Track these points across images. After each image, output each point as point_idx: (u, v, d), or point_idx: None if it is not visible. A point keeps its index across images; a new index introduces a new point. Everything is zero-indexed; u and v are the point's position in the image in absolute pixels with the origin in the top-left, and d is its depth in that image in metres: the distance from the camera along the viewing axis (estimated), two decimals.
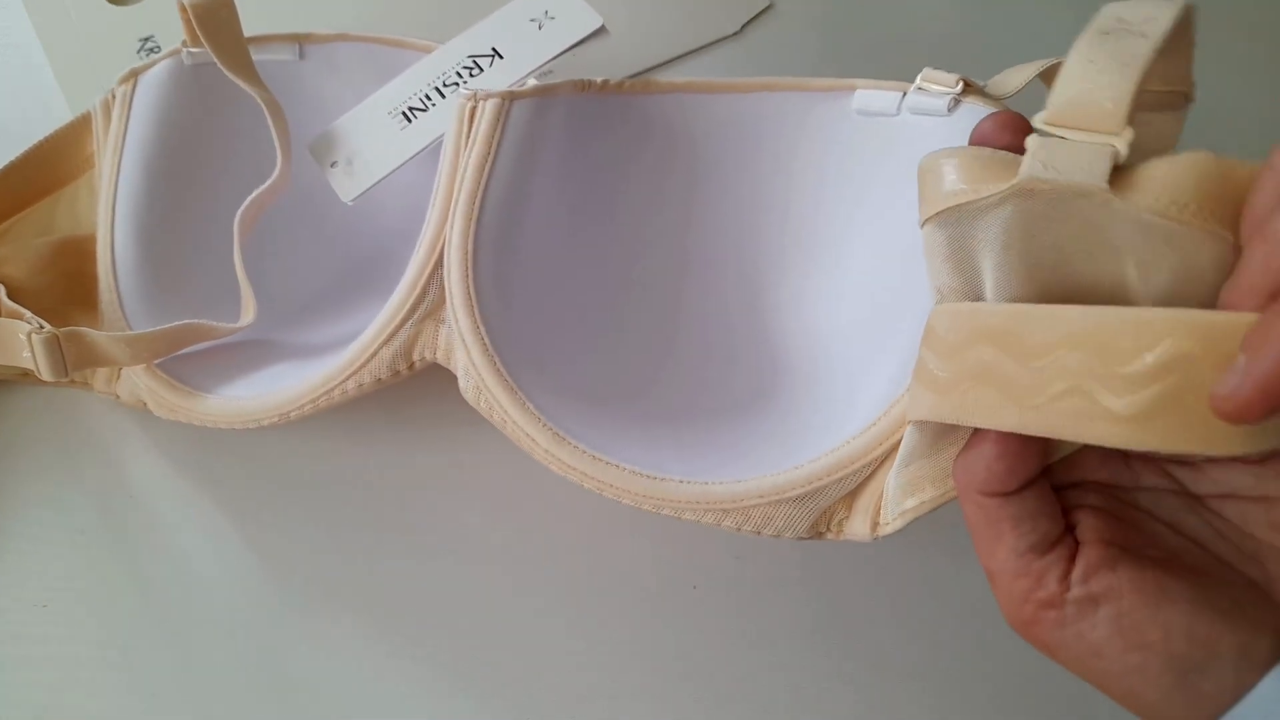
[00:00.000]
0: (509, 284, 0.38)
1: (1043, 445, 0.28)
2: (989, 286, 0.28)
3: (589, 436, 0.36)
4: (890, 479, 0.32)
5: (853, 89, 0.40)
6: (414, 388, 0.39)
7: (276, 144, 0.41)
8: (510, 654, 0.41)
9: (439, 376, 0.38)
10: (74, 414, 0.45)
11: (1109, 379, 0.24)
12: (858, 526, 0.34)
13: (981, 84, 0.38)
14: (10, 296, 0.40)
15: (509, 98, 0.38)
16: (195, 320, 0.39)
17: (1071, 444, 0.29)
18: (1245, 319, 0.23)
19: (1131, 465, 0.29)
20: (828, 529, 0.35)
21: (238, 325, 0.40)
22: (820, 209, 0.42)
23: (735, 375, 0.41)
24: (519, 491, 0.43)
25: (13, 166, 0.43)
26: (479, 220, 0.37)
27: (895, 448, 0.33)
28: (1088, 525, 0.28)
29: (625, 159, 0.43)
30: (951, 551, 0.42)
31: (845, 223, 0.41)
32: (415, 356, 0.38)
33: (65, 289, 0.42)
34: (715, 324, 0.42)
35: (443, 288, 0.37)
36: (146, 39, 0.51)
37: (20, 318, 0.39)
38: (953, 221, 0.27)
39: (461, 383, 0.37)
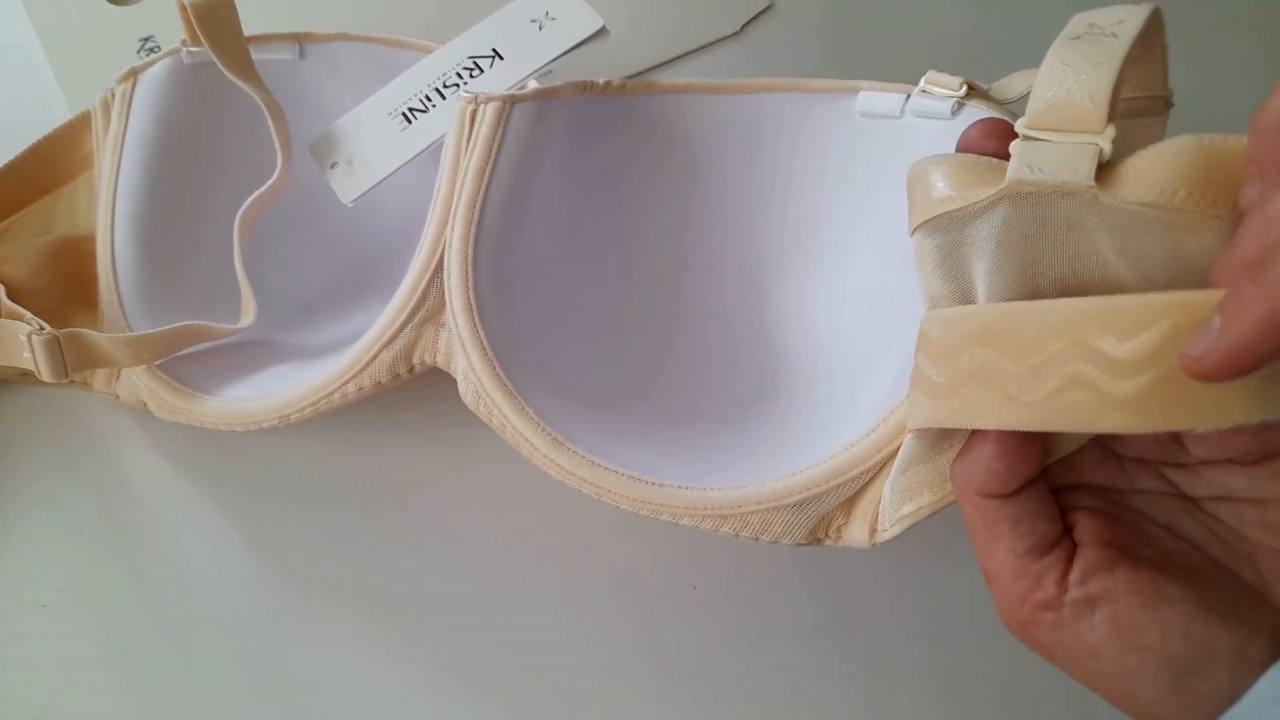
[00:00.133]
0: (509, 288, 0.38)
1: (1041, 446, 0.28)
2: (981, 291, 0.28)
3: (588, 441, 0.36)
4: (888, 485, 0.33)
5: (855, 90, 0.40)
6: (414, 389, 0.39)
7: (276, 144, 0.41)
8: (510, 654, 0.42)
9: (439, 378, 0.38)
10: (74, 414, 0.45)
11: (1107, 367, 0.24)
12: (856, 533, 0.34)
13: (986, 87, 0.38)
14: (10, 296, 0.40)
15: (510, 101, 0.38)
16: (195, 321, 0.39)
17: (1069, 445, 0.29)
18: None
19: (1127, 468, 0.29)
20: (826, 535, 0.35)
21: (238, 326, 0.40)
22: (820, 211, 0.42)
23: (734, 378, 0.41)
24: (519, 492, 0.43)
25: (12, 165, 0.44)
26: (479, 224, 0.37)
27: (894, 454, 0.33)
28: (1085, 527, 0.28)
29: (626, 160, 0.43)
30: (950, 553, 0.42)
31: (846, 225, 0.41)
32: (415, 360, 0.38)
33: (65, 289, 0.42)
34: (715, 326, 0.42)
35: (443, 291, 0.37)
36: (146, 39, 0.51)
37: (20, 318, 0.39)
38: (942, 229, 0.28)
39: (461, 387, 0.37)
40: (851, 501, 0.34)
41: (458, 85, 0.42)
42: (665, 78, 0.52)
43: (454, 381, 0.37)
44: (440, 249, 0.37)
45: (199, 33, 0.41)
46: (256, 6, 0.45)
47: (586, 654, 0.42)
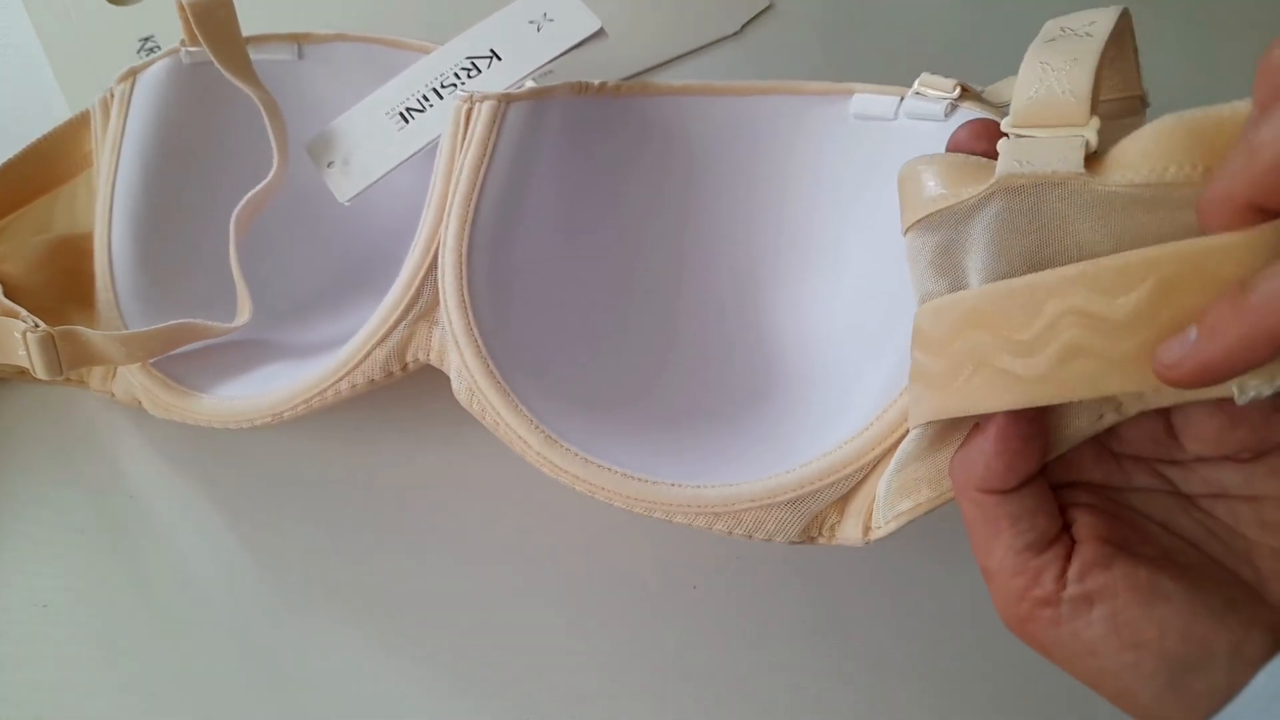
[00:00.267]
0: (503, 286, 0.38)
1: (1042, 442, 0.28)
2: (974, 287, 0.28)
3: (581, 439, 0.36)
4: (883, 482, 0.32)
5: (850, 93, 0.40)
6: (410, 387, 0.39)
7: (273, 143, 0.41)
8: (510, 654, 0.42)
9: (434, 376, 0.38)
10: (71, 413, 0.45)
11: (1103, 329, 0.24)
12: (850, 531, 0.34)
13: (979, 89, 0.38)
14: (7, 294, 0.40)
15: (505, 100, 0.38)
16: (190, 320, 0.39)
17: (1068, 441, 0.29)
18: (1225, 240, 0.23)
19: (1123, 466, 0.29)
20: (819, 533, 0.35)
21: (233, 325, 0.40)
22: (816, 212, 0.42)
23: (730, 377, 0.41)
24: (518, 491, 0.43)
25: (11, 164, 0.44)
26: (474, 222, 0.37)
27: (888, 452, 0.33)
28: (1084, 523, 0.28)
29: (622, 161, 0.43)
30: (950, 552, 0.42)
31: (841, 226, 0.41)
32: (408, 358, 0.38)
33: (62, 287, 0.42)
34: (712, 326, 0.42)
35: (436, 289, 0.37)
36: (146, 39, 0.51)
37: (16, 316, 0.39)
38: (935, 227, 0.28)
39: (454, 384, 0.37)
40: (845, 500, 0.34)
41: (455, 85, 0.42)
42: (665, 78, 0.52)
43: (448, 380, 0.37)
44: (434, 247, 0.37)
45: (197, 33, 0.41)
46: (255, 6, 0.45)
47: (586, 654, 0.42)
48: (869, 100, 0.40)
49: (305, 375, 0.38)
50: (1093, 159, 0.25)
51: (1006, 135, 0.27)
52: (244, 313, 0.40)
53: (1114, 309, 0.24)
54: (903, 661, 0.42)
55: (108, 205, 0.42)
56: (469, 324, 0.36)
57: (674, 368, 0.41)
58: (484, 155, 0.37)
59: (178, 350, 0.40)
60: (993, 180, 0.26)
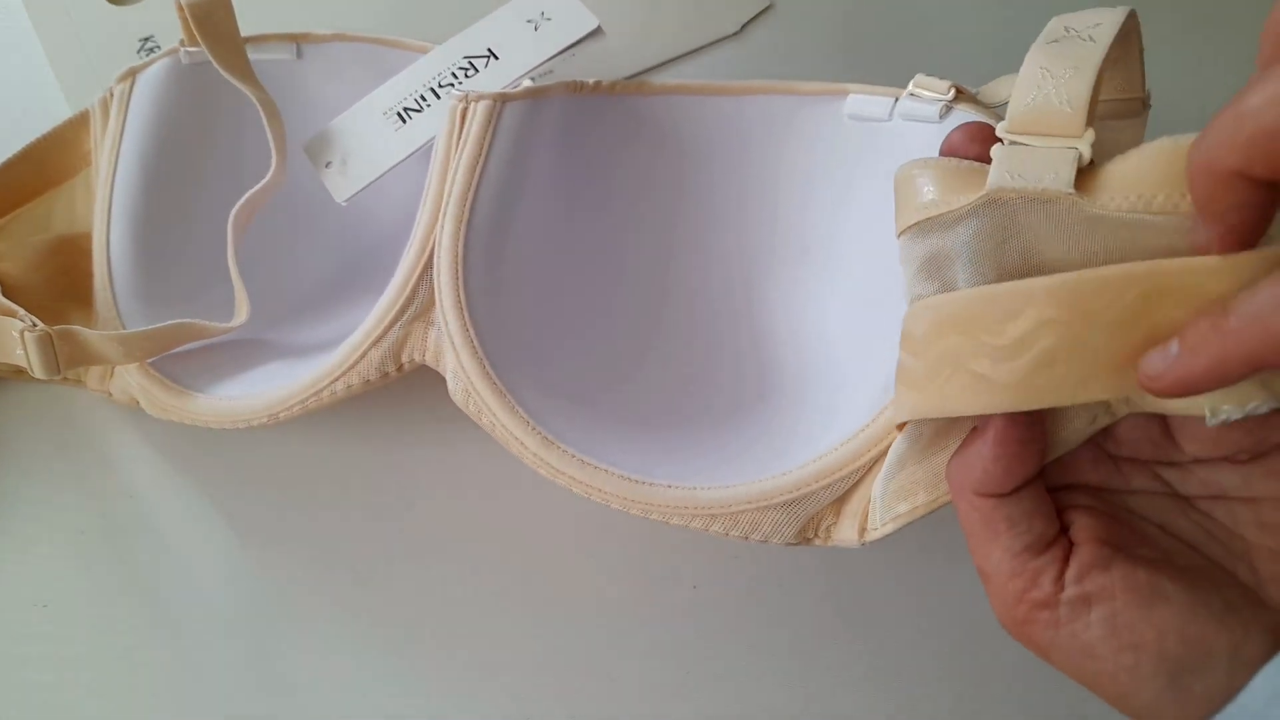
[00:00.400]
0: (499, 286, 0.38)
1: (1040, 446, 0.28)
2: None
3: (578, 440, 0.36)
4: (879, 484, 0.32)
5: (845, 93, 0.40)
6: (407, 387, 0.39)
7: (271, 143, 0.41)
8: (509, 654, 0.42)
9: (430, 376, 0.38)
10: (71, 412, 0.45)
11: (1082, 340, 0.24)
12: (845, 532, 0.34)
13: (974, 90, 0.38)
14: (5, 293, 0.40)
15: (501, 99, 0.38)
16: (188, 320, 0.40)
17: (1065, 444, 0.29)
18: (1206, 262, 0.23)
19: (1121, 468, 0.29)
20: (815, 535, 0.35)
21: (230, 325, 0.40)
22: (808, 212, 0.42)
23: (724, 376, 0.41)
24: (516, 490, 0.43)
25: (10, 163, 0.44)
26: (469, 222, 0.37)
27: (884, 454, 0.33)
28: (1081, 525, 0.28)
29: (617, 161, 0.43)
30: (951, 552, 0.42)
31: (834, 226, 0.41)
32: (404, 358, 0.38)
33: (61, 286, 0.42)
34: (706, 326, 0.42)
35: (432, 289, 0.37)
36: (146, 39, 0.51)
37: (14, 315, 0.39)
38: (926, 233, 0.28)
39: (450, 385, 0.37)
40: (841, 501, 0.34)
41: (453, 85, 0.42)
42: (665, 78, 0.52)
43: (444, 380, 0.37)
44: (430, 247, 0.37)
45: (196, 33, 0.41)
46: (255, 6, 0.45)
47: (586, 654, 0.42)
48: (864, 101, 0.40)
49: (302, 376, 0.38)
50: (1085, 171, 0.26)
51: (1001, 140, 0.27)
52: (241, 313, 0.40)
53: (1091, 320, 0.24)
54: (905, 662, 0.42)
55: (106, 205, 0.42)
56: (465, 324, 0.36)
57: (663, 367, 0.41)
58: (479, 155, 0.37)
59: (175, 350, 0.40)
60: (983, 192, 0.26)
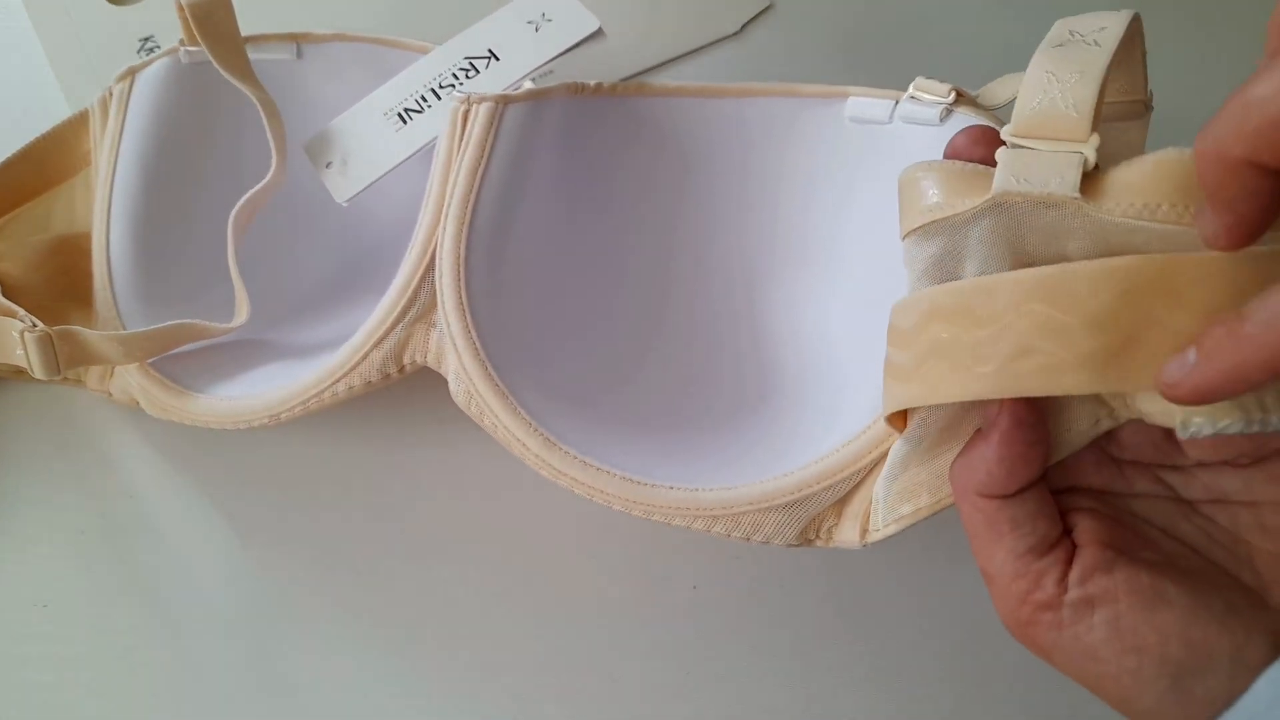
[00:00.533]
0: (501, 288, 0.38)
1: (1043, 449, 0.28)
2: None
3: (579, 442, 0.36)
4: (881, 485, 0.33)
5: (845, 96, 0.40)
6: (407, 388, 0.39)
7: (271, 144, 0.41)
8: (510, 654, 0.42)
9: (432, 377, 0.38)
10: (71, 412, 0.45)
11: (1067, 330, 0.24)
12: (847, 533, 0.34)
13: (974, 93, 0.38)
14: (6, 294, 0.40)
15: (503, 101, 0.38)
16: (188, 320, 0.39)
17: (1069, 446, 0.29)
18: (1192, 259, 0.23)
19: (1124, 471, 0.29)
20: (817, 536, 0.35)
21: (230, 325, 0.40)
22: (809, 214, 0.42)
23: (725, 377, 0.41)
24: (517, 491, 0.43)
25: (9, 163, 0.44)
26: (471, 224, 0.37)
27: (885, 455, 0.33)
28: (1085, 528, 0.28)
29: (618, 162, 0.43)
30: (952, 553, 0.42)
31: (835, 228, 0.41)
32: (406, 360, 0.38)
33: (61, 286, 0.42)
34: (707, 328, 0.42)
35: (434, 291, 0.37)
36: (146, 39, 0.51)
37: (14, 315, 0.39)
38: (931, 235, 0.28)
39: (452, 387, 0.37)
40: (842, 502, 0.34)
41: (453, 86, 0.42)
42: (665, 78, 0.52)
43: (445, 381, 0.37)
44: (432, 249, 0.37)
45: (196, 33, 0.41)
46: (255, 7, 0.45)
47: (586, 654, 0.42)
48: (864, 104, 0.40)
49: (303, 377, 0.38)
50: (1089, 176, 0.26)
51: (1005, 144, 0.27)
52: (242, 313, 0.40)
53: (1070, 313, 0.24)
54: (906, 662, 0.42)
55: (106, 204, 0.42)
56: (467, 326, 0.36)
57: (666, 368, 0.41)
58: (481, 157, 0.37)
59: (176, 350, 0.40)
60: (989, 195, 0.27)
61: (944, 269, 0.28)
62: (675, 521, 0.35)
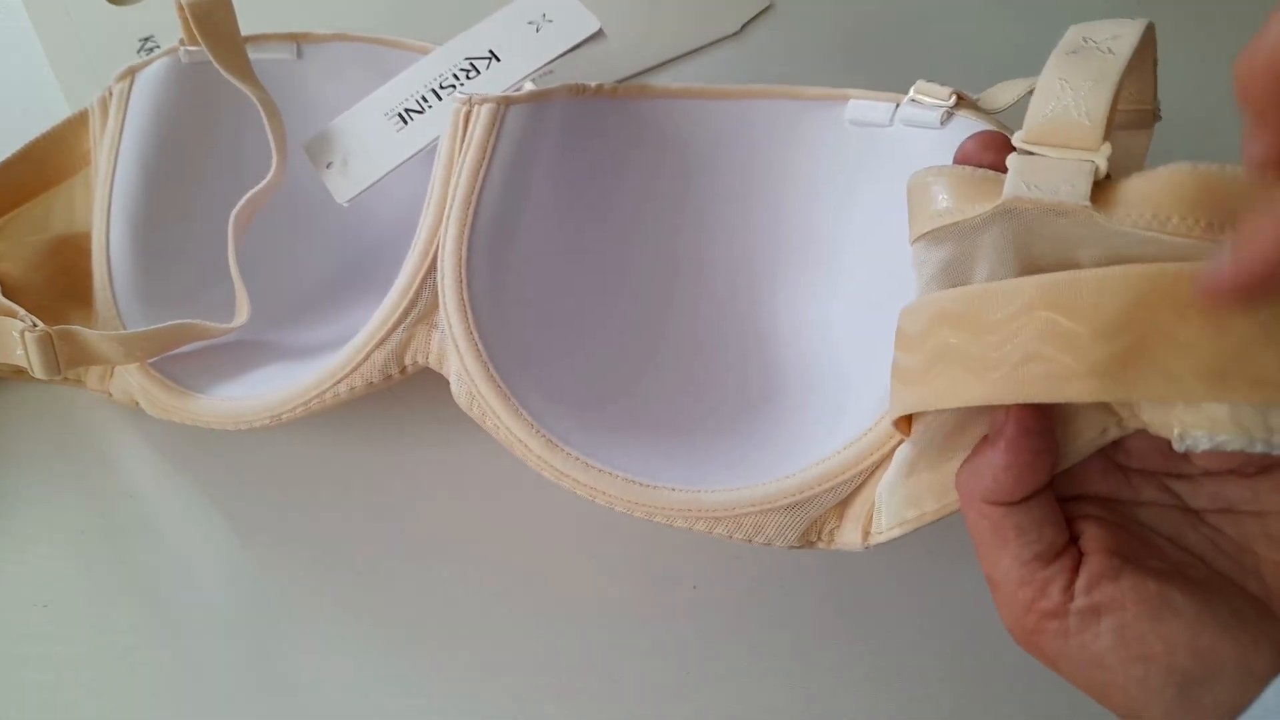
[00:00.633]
0: (503, 289, 0.38)
1: (1051, 457, 0.28)
2: None
3: (581, 443, 0.36)
4: (886, 488, 0.33)
5: (846, 99, 0.40)
6: (410, 386, 0.39)
7: (272, 144, 0.41)
8: (510, 654, 0.42)
9: (434, 377, 0.38)
10: (71, 412, 0.45)
11: (1070, 339, 0.24)
12: (849, 536, 0.34)
13: (975, 97, 0.38)
14: (6, 293, 0.40)
15: (504, 102, 0.38)
16: (189, 320, 0.39)
17: (1076, 454, 0.29)
18: (1200, 267, 0.23)
19: (1131, 480, 0.29)
20: (818, 538, 0.35)
21: (231, 326, 0.40)
22: (812, 216, 0.42)
23: (728, 380, 0.41)
24: (517, 490, 0.43)
25: (9, 162, 0.44)
26: (473, 226, 0.37)
27: (886, 457, 0.33)
28: (1091, 536, 0.28)
29: (619, 164, 0.43)
30: (953, 554, 0.42)
31: (837, 230, 0.41)
32: (407, 361, 0.38)
33: (61, 286, 0.42)
34: (709, 329, 0.42)
35: (436, 292, 0.37)
36: (146, 39, 0.51)
37: (14, 315, 0.39)
38: (941, 241, 0.28)
39: (454, 388, 0.37)
40: (844, 504, 0.34)
41: (454, 86, 0.42)
42: (665, 78, 0.52)
43: (445, 381, 0.37)
44: (433, 250, 0.37)
45: (196, 33, 0.41)
46: (255, 6, 0.44)
47: (586, 654, 0.42)
48: (865, 107, 0.40)
49: (304, 377, 0.38)
50: (1099, 185, 0.25)
51: (1016, 149, 0.27)
52: (242, 313, 0.40)
53: (1084, 319, 0.24)
54: (906, 662, 0.42)
55: (106, 204, 0.42)
56: (469, 327, 0.36)
57: (668, 370, 0.41)
58: (483, 158, 0.37)
59: (176, 351, 0.40)
60: (999, 201, 0.26)
61: (953, 274, 0.28)
62: (677, 523, 0.35)
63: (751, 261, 0.43)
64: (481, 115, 0.37)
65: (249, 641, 0.42)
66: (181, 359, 0.41)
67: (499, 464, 0.40)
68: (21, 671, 0.41)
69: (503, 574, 0.43)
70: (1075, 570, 0.27)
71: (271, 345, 0.43)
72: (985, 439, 0.29)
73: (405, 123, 0.42)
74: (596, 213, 0.43)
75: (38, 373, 0.39)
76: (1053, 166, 0.26)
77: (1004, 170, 0.27)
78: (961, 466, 0.29)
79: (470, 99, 0.37)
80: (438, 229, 0.37)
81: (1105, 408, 0.28)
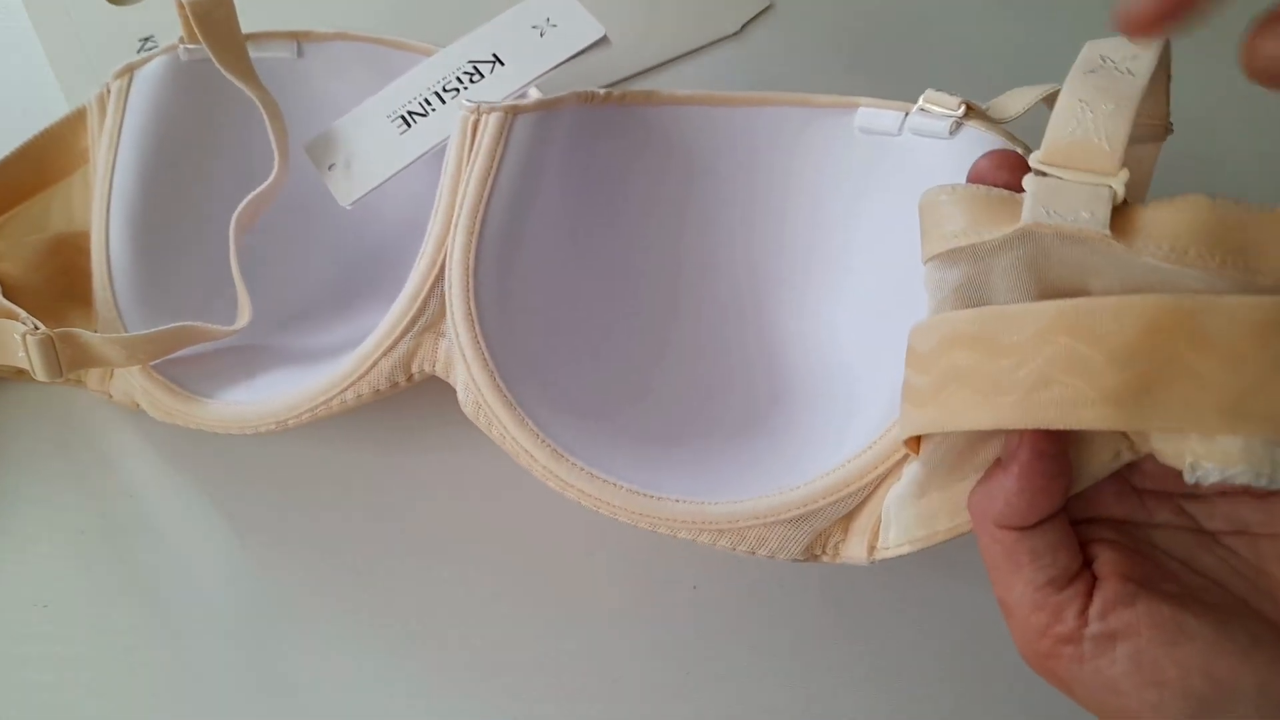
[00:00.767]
0: (510, 298, 0.38)
1: (1064, 482, 0.28)
2: None
3: (587, 453, 0.36)
4: (894, 504, 0.32)
5: (854, 106, 0.40)
6: (414, 391, 0.39)
7: (274, 146, 0.41)
8: (509, 654, 0.42)
9: (435, 381, 0.38)
10: (71, 412, 0.45)
11: (1086, 365, 0.24)
12: (854, 550, 0.34)
13: (984, 106, 0.38)
14: (6, 293, 0.40)
15: (512, 111, 0.37)
16: (191, 323, 0.39)
17: (1090, 477, 0.29)
18: (1221, 302, 0.23)
19: (1145, 502, 0.29)
20: (823, 551, 0.35)
21: (233, 328, 0.40)
22: (818, 224, 0.42)
23: (734, 390, 0.41)
24: (517, 491, 0.43)
25: (7, 162, 0.43)
26: (480, 235, 0.37)
27: (893, 470, 0.33)
28: (1105, 559, 0.28)
29: (627, 171, 0.43)
30: (954, 555, 0.42)
31: (844, 239, 0.41)
32: (414, 369, 0.38)
33: (61, 286, 0.42)
34: (714, 338, 0.42)
35: (443, 301, 0.37)
36: (147, 39, 0.51)
37: (15, 318, 0.39)
38: (956, 263, 0.28)
39: (461, 397, 0.37)
40: (849, 518, 0.35)
41: (458, 90, 0.42)
42: (665, 77, 0.52)
43: (445, 382, 0.38)
44: (441, 258, 0.37)
45: (197, 31, 0.40)
46: (255, 6, 0.44)
47: (585, 654, 0.42)
48: (874, 115, 0.40)
49: (310, 383, 0.38)
50: (1118, 211, 0.25)
51: (1031, 168, 0.27)
52: (244, 315, 0.40)
53: (1100, 346, 0.24)
54: (906, 662, 0.42)
55: (105, 203, 0.42)
56: (475, 337, 0.36)
57: (674, 379, 0.41)
58: (491, 167, 0.37)
59: (179, 354, 0.40)
60: (1018, 225, 0.26)
61: (967, 296, 0.28)
62: (681, 534, 0.35)
63: (757, 268, 0.43)
64: (490, 124, 0.37)
65: (249, 641, 0.42)
66: (185, 362, 0.41)
67: (499, 464, 0.40)
68: (21, 671, 0.41)
69: (503, 574, 0.43)
70: (1089, 595, 0.27)
71: (276, 349, 0.43)
72: (998, 462, 0.28)
73: (408, 125, 0.41)
74: (602, 220, 0.43)
75: (40, 375, 0.39)
76: (1071, 191, 0.26)
77: (1018, 190, 0.27)
78: (974, 489, 0.29)
79: (479, 107, 0.37)
80: (445, 238, 0.37)
81: (1119, 432, 0.28)
